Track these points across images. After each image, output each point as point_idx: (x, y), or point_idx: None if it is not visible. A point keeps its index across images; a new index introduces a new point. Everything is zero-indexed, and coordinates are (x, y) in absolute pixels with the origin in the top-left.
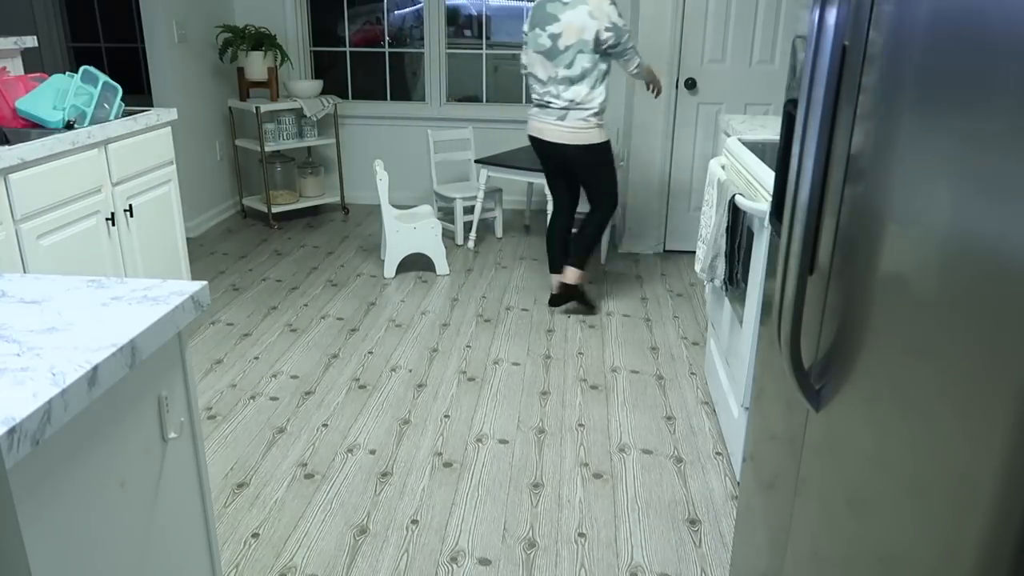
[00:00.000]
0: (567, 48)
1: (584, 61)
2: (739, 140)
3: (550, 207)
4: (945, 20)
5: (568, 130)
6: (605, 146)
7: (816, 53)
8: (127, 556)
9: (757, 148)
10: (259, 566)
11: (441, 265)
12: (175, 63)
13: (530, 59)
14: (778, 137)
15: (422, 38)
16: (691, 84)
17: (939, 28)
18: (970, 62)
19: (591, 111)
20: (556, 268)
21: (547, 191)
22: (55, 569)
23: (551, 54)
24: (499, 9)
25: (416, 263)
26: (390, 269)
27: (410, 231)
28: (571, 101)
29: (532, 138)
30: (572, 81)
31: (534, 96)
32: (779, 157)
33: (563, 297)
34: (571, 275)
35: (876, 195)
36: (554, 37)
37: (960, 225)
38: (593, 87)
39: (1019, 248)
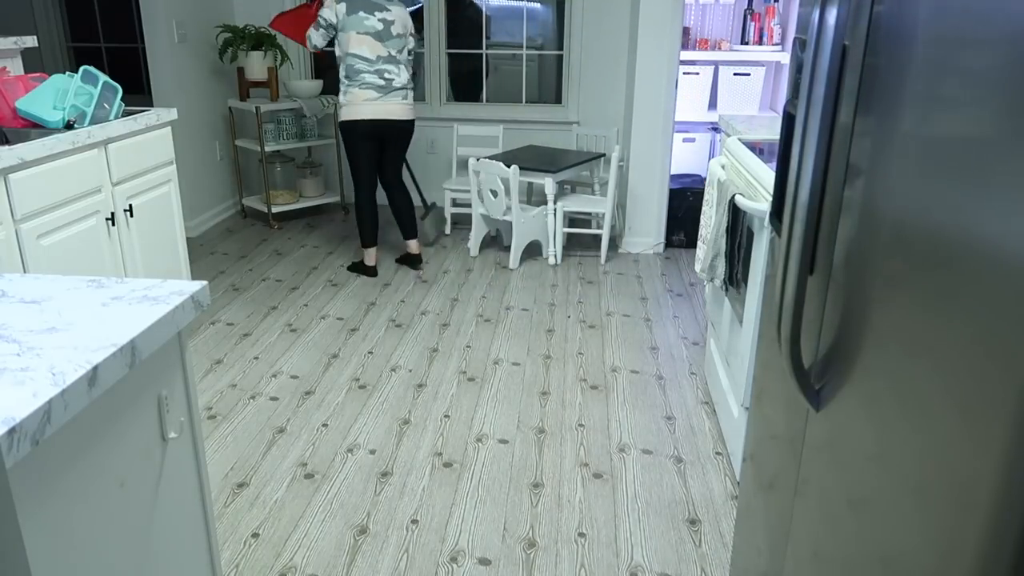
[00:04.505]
0: (398, 35)
1: (406, 50)
2: (739, 140)
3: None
4: (945, 20)
5: (410, 107)
6: None
7: (816, 53)
8: (127, 556)
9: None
10: (259, 566)
11: (549, 250)
12: (175, 63)
13: (353, 38)
14: (778, 137)
15: (422, 38)
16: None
17: (939, 28)
18: (970, 62)
19: (413, 90)
20: (375, 241)
21: (349, 174)
22: (55, 569)
23: (382, 36)
24: (499, 9)
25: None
26: (514, 259)
27: (529, 219)
28: (406, 82)
29: (374, 121)
30: (403, 64)
31: (366, 77)
32: (779, 157)
33: (413, 259)
34: (416, 246)
35: (876, 195)
36: (386, 23)
37: (960, 225)
38: (410, 71)
39: (1019, 248)
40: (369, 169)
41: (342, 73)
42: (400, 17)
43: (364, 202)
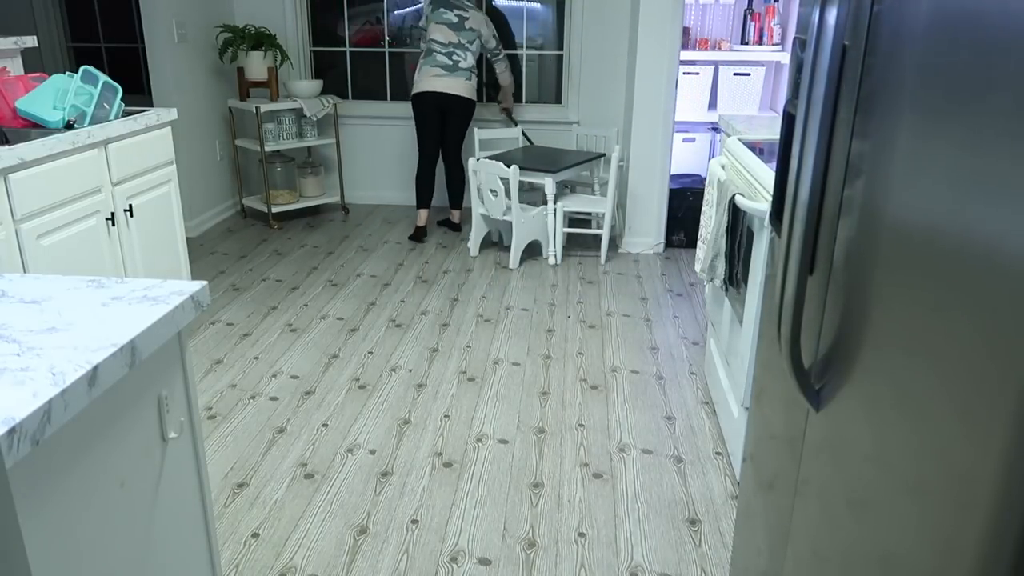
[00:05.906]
0: (471, 29)
1: (477, 42)
2: (739, 140)
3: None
4: (945, 20)
5: (470, 87)
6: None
7: (816, 53)
8: (127, 556)
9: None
10: (259, 566)
11: (549, 250)
12: (175, 63)
13: (432, 27)
14: (778, 137)
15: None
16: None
17: (939, 28)
18: (970, 62)
19: (475, 76)
20: (428, 203)
21: (416, 144)
22: (55, 569)
23: (456, 27)
24: (499, 9)
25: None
26: (515, 259)
27: (529, 219)
28: (471, 67)
29: (437, 93)
30: (471, 52)
31: (438, 57)
32: (779, 157)
33: (452, 226)
34: (457, 216)
35: (876, 195)
36: (461, 18)
37: (960, 225)
38: (475, 61)
39: (1019, 248)
40: (430, 139)
41: (422, 55)
42: (475, 18)
43: (421, 168)
